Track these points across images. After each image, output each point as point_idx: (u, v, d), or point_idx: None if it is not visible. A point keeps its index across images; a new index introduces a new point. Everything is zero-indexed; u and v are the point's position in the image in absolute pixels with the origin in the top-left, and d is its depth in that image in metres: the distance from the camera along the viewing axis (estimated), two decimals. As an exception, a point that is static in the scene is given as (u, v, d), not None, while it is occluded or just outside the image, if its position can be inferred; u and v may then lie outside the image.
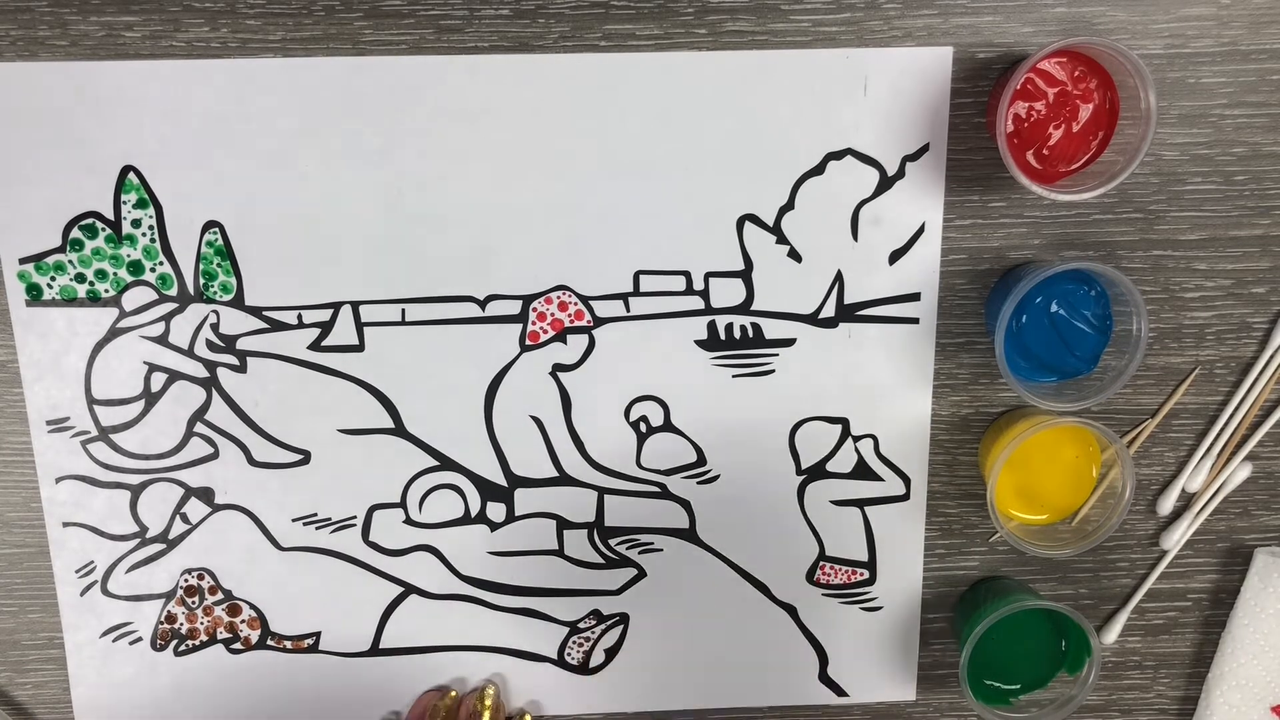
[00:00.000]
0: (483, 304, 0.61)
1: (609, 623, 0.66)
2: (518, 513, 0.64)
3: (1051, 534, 0.62)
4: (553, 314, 0.62)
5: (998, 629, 0.62)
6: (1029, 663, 0.65)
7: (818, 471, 0.65)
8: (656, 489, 0.64)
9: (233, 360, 0.61)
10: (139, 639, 0.65)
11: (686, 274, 0.61)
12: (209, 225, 0.60)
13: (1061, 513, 0.63)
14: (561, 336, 0.62)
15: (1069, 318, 0.60)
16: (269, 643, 0.65)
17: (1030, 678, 0.65)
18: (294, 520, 0.64)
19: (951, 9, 0.59)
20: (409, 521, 0.64)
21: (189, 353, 0.61)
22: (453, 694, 0.65)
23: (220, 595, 0.64)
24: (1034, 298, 0.60)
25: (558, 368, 0.62)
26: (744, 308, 0.62)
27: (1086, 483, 0.62)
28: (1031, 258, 0.62)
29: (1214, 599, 0.67)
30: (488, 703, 0.64)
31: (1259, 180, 0.61)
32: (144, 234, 0.60)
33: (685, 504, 0.65)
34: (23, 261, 0.59)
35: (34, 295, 0.60)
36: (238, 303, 0.61)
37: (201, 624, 0.65)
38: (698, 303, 0.62)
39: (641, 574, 0.66)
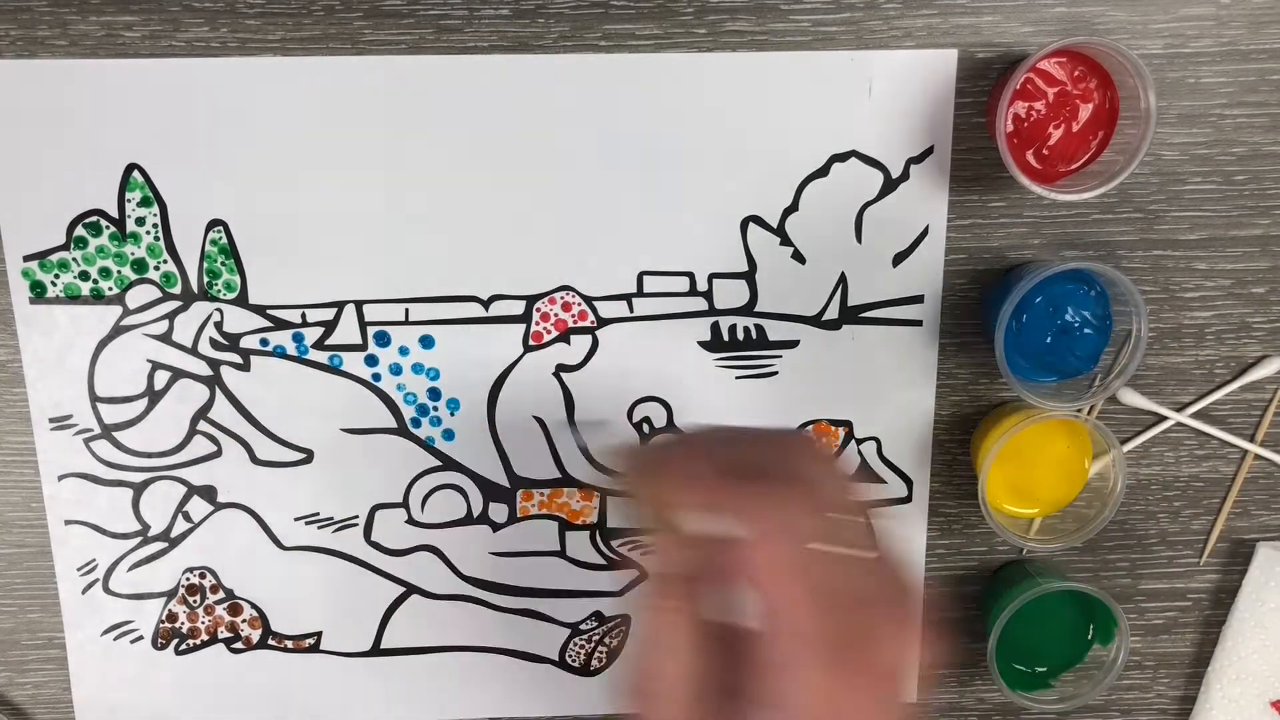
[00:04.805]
0: (486, 304, 0.61)
1: (611, 624, 0.66)
2: (519, 513, 0.64)
3: (1044, 528, 0.63)
4: (556, 314, 0.62)
5: (1020, 614, 0.62)
6: (1054, 646, 0.65)
7: (820, 472, 0.64)
8: (658, 489, 0.64)
9: (236, 359, 0.61)
10: (140, 638, 0.64)
11: (690, 275, 0.62)
12: (213, 224, 0.60)
13: (1053, 506, 0.63)
14: (565, 337, 0.62)
15: (1069, 318, 0.60)
16: (270, 642, 0.65)
17: (1056, 661, 0.65)
18: (296, 519, 0.63)
19: (951, 9, 0.59)
20: (411, 521, 0.64)
21: (192, 351, 0.61)
22: None
23: (221, 594, 0.64)
24: (1034, 298, 0.60)
25: (561, 368, 0.62)
26: (748, 309, 0.62)
27: (1079, 476, 0.62)
28: (1031, 258, 0.62)
29: (1214, 599, 0.68)
30: None
31: (1259, 180, 0.61)
32: (148, 232, 0.60)
33: (687, 504, 0.65)
34: (27, 259, 0.59)
35: (38, 293, 0.60)
36: (241, 301, 0.60)
37: (202, 623, 0.64)
38: (701, 304, 0.62)
39: (644, 575, 0.65)
